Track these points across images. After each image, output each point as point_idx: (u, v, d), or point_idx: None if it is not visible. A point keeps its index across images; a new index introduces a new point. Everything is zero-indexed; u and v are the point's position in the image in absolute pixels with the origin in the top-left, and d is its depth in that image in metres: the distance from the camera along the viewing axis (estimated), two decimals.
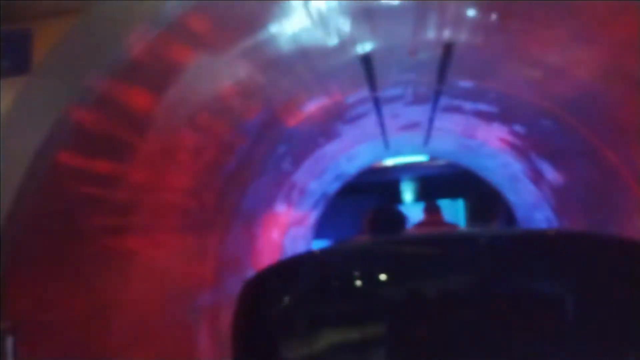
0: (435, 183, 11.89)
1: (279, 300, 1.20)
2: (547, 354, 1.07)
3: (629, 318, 1.10)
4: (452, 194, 11.60)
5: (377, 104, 5.58)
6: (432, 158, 10.40)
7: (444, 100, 5.06)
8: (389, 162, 11.06)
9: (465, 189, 10.51)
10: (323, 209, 9.71)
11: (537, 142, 5.30)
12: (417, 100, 5.36)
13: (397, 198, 13.49)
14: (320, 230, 9.95)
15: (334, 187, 9.13)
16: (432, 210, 5.04)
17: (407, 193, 13.35)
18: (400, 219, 3.22)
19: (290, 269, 1.34)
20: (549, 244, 1.26)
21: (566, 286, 1.15)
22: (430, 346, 1.03)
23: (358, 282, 1.16)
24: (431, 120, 6.47)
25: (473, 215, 6.68)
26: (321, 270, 1.23)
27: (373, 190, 13.09)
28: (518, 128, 5.36)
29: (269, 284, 1.30)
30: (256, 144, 4.72)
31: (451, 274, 1.12)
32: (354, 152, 7.68)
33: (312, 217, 9.01)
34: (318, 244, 13.12)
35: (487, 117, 5.46)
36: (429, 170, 11.48)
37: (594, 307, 1.13)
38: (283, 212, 7.12)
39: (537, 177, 6.17)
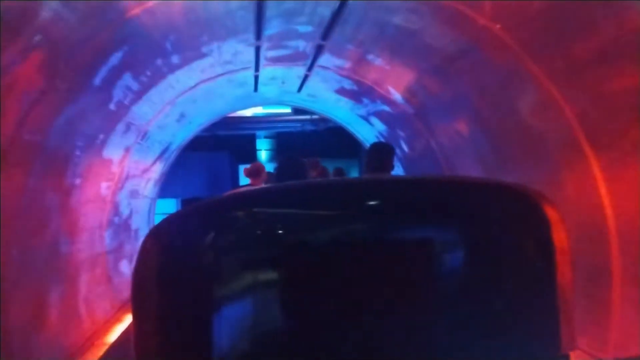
0: (302, 140, 10.70)
1: (195, 249, 1.07)
2: (439, 300, 1.06)
3: (518, 264, 1.10)
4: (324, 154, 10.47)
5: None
6: (300, 111, 9.09)
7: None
8: (247, 112, 9.58)
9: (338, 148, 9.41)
10: (169, 163, 7.97)
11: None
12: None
13: (251, 155, 12.14)
14: (165, 189, 8.80)
15: (186, 132, 7.43)
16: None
17: (264, 150, 12.04)
18: (304, 169, 3.23)
19: (203, 216, 1.14)
20: (439, 190, 1.19)
21: (457, 232, 1.11)
22: (324, 295, 1.01)
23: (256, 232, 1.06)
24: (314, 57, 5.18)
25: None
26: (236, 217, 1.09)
27: (224, 145, 11.59)
28: None
29: (179, 235, 1.13)
30: (75, 48, 3.02)
31: (347, 220, 1.07)
32: (214, 89, 6.08)
33: (157, 170, 7.27)
34: (164, 205, 11.42)
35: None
36: (295, 125, 10.17)
37: (483, 253, 1.11)
38: (117, 159, 5.37)
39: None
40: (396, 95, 5.59)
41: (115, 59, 3.67)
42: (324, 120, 9.12)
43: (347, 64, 5.48)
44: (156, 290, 1.11)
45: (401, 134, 6.37)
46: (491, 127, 4.37)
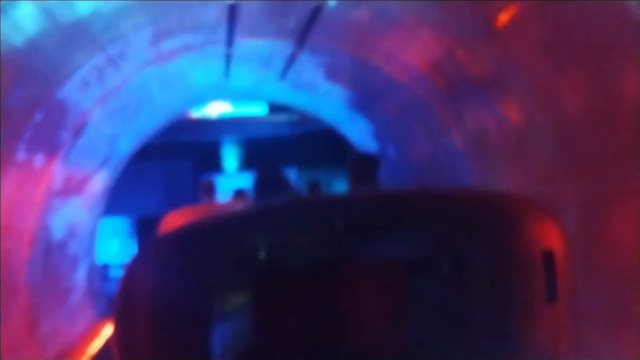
0: (277, 146, 9.22)
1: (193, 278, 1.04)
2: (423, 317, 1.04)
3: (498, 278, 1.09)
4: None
5: None
6: (277, 109, 7.61)
7: None
8: (212, 111, 8.03)
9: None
10: (118, 173, 6.43)
11: None
12: None
13: (216, 164, 10.64)
14: (116, 205, 7.68)
15: (138, 134, 5.90)
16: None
17: (231, 159, 10.52)
18: (285, 182, 3.06)
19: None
20: (431, 205, 1.14)
21: (453, 248, 1.08)
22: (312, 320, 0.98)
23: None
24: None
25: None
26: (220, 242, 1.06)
27: (186, 153, 10.10)
28: None
29: (172, 263, 1.09)
30: None
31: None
32: (172, 72, 4.63)
33: (99, 182, 5.73)
34: (115, 224, 9.88)
35: None
36: (270, 128, 8.66)
37: (483, 267, 1.09)
38: (38, 166, 3.87)
39: None
40: (413, 75, 4.25)
41: None
42: (304, 122, 7.74)
43: (350, 36, 4.14)
44: (147, 325, 1.06)
45: (414, 129, 5.00)
46: (569, 115, 3.06)
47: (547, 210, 1.19)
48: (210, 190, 4.60)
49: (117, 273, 9.70)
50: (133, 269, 1.16)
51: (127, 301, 1.12)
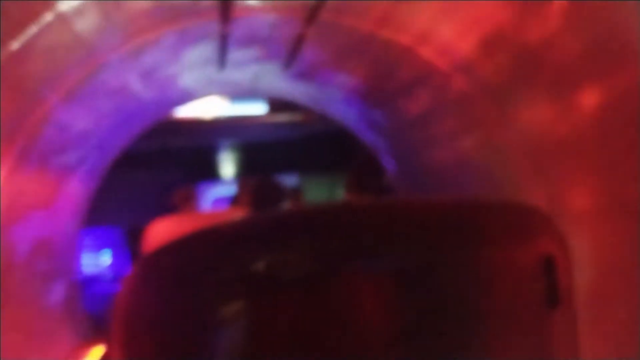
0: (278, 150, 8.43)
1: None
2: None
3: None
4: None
5: None
6: (280, 106, 6.81)
7: None
8: (205, 113, 7.23)
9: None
10: (98, 177, 5.64)
11: None
12: None
13: (211, 171, 9.86)
14: (105, 215, 7.52)
15: (121, 133, 5.10)
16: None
17: (228, 165, 9.71)
18: (280, 192, 3.05)
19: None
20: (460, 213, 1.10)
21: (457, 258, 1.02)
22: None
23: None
24: None
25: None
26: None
27: (178, 159, 9.41)
28: None
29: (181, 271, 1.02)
30: None
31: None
32: (155, 58, 3.86)
33: (75, 188, 4.93)
34: (101, 234, 9.36)
35: None
36: (270, 131, 7.87)
37: (492, 276, 1.05)
38: None
39: None
40: (454, 58, 3.47)
41: None
42: (308, 122, 6.95)
43: (374, 11, 3.36)
44: (148, 337, 1.01)
45: (450, 127, 4.20)
46: None
47: (548, 217, 1.16)
48: (189, 198, 4.43)
49: (108, 287, 9.10)
50: (131, 284, 1.10)
51: (125, 316, 1.06)
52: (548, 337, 1.09)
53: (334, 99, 5.09)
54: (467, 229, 1.09)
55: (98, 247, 9.85)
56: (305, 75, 4.65)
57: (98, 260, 9.77)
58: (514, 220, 1.15)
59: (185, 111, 6.82)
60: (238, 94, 6.28)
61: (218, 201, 8.83)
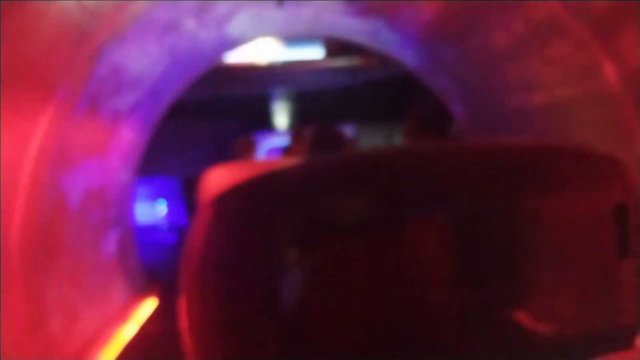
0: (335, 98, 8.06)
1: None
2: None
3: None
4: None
5: None
6: (338, 50, 6.38)
7: None
8: (260, 57, 6.88)
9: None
10: (153, 124, 5.44)
11: None
12: None
13: (266, 121, 9.59)
14: (160, 165, 7.68)
15: (175, 76, 4.83)
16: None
17: (283, 115, 9.41)
18: (341, 140, 2.93)
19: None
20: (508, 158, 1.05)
21: (532, 203, 1.00)
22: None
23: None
24: None
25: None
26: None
27: (232, 109, 9.19)
28: None
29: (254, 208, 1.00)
30: None
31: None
32: None
33: (130, 135, 4.74)
34: (157, 185, 9.38)
35: None
36: (327, 77, 7.48)
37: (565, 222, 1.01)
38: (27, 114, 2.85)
39: None
40: None
41: None
42: (369, 67, 6.52)
43: None
44: (223, 271, 1.00)
45: (536, 71, 3.69)
46: None
47: (622, 164, 1.07)
48: (250, 147, 4.42)
49: (164, 237, 9.15)
50: (199, 227, 1.06)
51: (193, 262, 1.04)
52: (616, 286, 1.06)
53: (400, 37, 4.63)
54: (542, 174, 1.04)
55: (154, 197, 9.83)
56: (371, 10, 4.20)
57: (154, 211, 9.76)
58: (588, 166, 1.10)
59: (238, 56, 6.51)
60: (295, 35, 5.88)
61: (272, 151, 8.65)
